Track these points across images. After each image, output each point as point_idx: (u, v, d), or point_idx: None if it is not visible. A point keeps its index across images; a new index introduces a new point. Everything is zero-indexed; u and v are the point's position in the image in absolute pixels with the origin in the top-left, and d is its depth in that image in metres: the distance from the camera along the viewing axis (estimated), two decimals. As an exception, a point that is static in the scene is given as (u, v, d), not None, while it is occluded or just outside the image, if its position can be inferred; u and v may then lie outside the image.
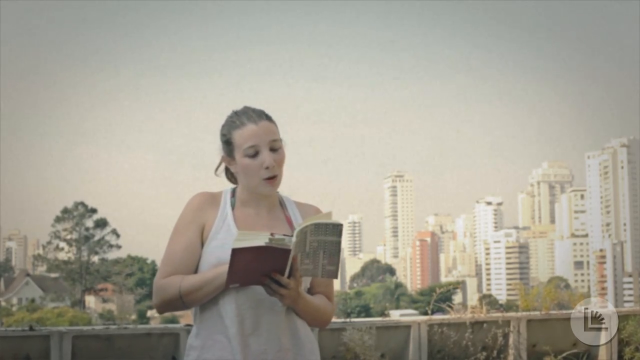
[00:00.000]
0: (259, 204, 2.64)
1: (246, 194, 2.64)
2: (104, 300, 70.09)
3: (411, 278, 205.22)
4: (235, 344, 2.50)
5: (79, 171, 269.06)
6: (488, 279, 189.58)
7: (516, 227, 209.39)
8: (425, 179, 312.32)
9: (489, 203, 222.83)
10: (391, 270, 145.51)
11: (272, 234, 2.36)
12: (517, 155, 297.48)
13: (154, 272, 79.58)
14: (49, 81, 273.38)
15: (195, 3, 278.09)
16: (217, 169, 2.73)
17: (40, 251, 72.21)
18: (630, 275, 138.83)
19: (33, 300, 68.38)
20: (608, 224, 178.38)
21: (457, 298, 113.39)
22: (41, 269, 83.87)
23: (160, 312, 2.61)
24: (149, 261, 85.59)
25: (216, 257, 2.52)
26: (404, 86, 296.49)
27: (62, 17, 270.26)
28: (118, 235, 68.69)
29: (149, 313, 65.85)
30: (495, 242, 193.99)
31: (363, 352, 6.96)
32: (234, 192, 2.68)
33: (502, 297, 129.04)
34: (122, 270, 67.23)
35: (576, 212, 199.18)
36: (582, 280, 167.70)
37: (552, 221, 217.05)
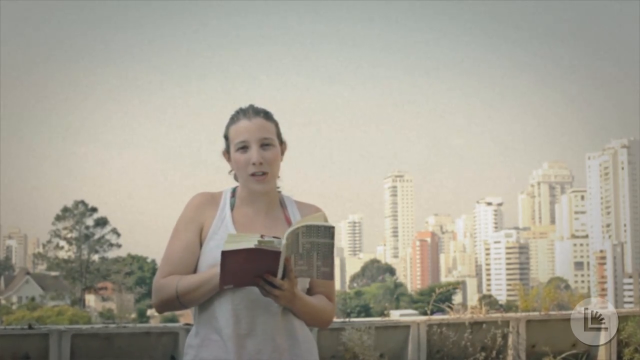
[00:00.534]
0: (257, 203, 2.64)
1: (245, 192, 2.65)
2: (104, 299, 70.12)
3: (411, 278, 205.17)
4: (230, 344, 2.51)
5: (80, 170, 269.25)
6: (488, 280, 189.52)
7: (516, 228, 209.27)
8: (425, 179, 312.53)
9: (489, 203, 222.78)
10: (391, 270, 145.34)
11: (262, 236, 2.37)
12: (518, 155, 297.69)
13: (153, 271, 79.60)
14: (48, 81, 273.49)
15: (195, 3, 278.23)
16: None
17: (41, 250, 72.23)
18: (630, 276, 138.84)
19: (33, 299, 68.36)
20: (608, 225, 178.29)
21: (457, 298, 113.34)
22: (41, 268, 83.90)
23: (159, 311, 2.62)
24: (149, 260, 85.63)
25: (214, 258, 2.52)
26: (404, 86, 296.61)
27: (62, 17, 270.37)
28: (118, 234, 68.72)
29: (149, 312, 65.84)
30: (495, 242, 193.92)
31: (362, 352, 6.96)
32: (234, 192, 2.69)
33: (502, 297, 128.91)
34: (121, 269, 67.28)
35: (576, 212, 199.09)
36: (582, 281, 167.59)
37: (553, 222, 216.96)
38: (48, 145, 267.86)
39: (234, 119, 2.64)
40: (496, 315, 7.78)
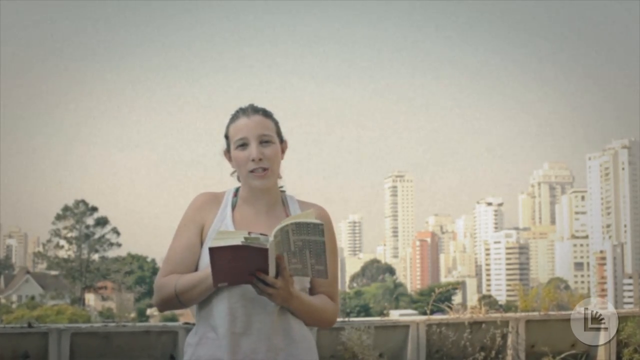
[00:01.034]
0: (259, 202, 2.65)
1: (246, 191, 2.66)
2: (104, 298, 70.11)
3: (411, 278, 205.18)
4: (225, 342, 2.52)
5: (80, 169, 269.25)
6: (488, 280, 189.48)
7: (516, 228, 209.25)
8: (425, 179, 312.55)
9: (490, 204, 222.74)
10: (391, 270, 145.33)
11: (249, 233, 2.38)
12: (518, 156, 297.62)
13: (153, 270, 79.71)
14: (48, 81, 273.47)
15: (195, 3, 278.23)
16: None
17: (41, 249, 72.23)
18: (630, 277, 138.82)
19: (33, 298, 68.34)
20: (608, 226, 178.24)
21: (457, 298, 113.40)
22: (41, 267, 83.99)
23: (160, 310, 2.66)
24: (149, 259, 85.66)
25: (212, 258, 2.54)
26: (405, 86, 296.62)
27: (62, 17, 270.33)
28: (118, 234, 68.73)
29: (149, 311, 65.83)
30: (495, 242, 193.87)
31: (361, 352, 6.96)
32: (236, 191, 2.70)
33: (501, 297, 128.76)
34: (121, 268, 67.28)
35: (576, 213, 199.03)
36: (582, 282, 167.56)
37: (553, 222, 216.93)
38: (48, 145, 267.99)
39: (233, 118, 2.66)
40: (495, 315, 7.78)
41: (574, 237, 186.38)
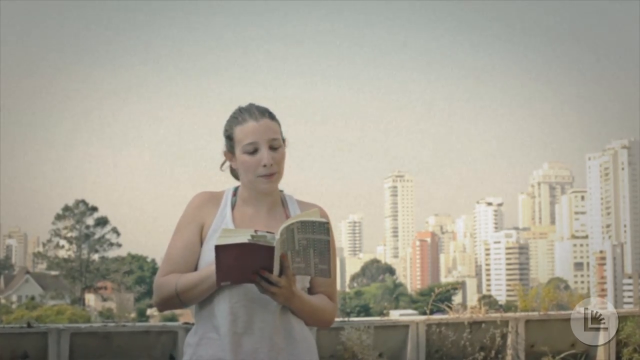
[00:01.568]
0: (259, 203, 2.65)
1: (247, 191, 2.65)
2: (104, 299, 70.06)
3: (411, 278, 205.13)
4: (227, 342, 2.51)
5: (80, 169, 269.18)
6: (488, 280, 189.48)
7: (516, 228, 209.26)
8: (425, 179, 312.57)
9: (490, 204, 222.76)
10: (391, 270, 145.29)
11: (255, 231, 2.37)
12: (518, 156, 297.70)
13: (153, 270, 79.65)
14: (49, 80, 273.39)
15: (196, 3, 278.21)
16: (222, 165, 2.74)
17: (41, 249, 72.26)
18: (630, 277, 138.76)
19: (33, 298, 68.33)
20: (608, 226, 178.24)
21: (457, 298, 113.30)
22: (41, 267, 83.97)
23: (160, 310, 2.64)
24: (149, 259, 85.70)
25: (214, 256, 2.52)
26: (405, 86, 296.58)
27: (62, 17, 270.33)
28: (118, 234, 68.76)
29: (149, 311, 65.81)
30: (495, 242, 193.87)
31: (361, 352, 6.96)
32: (235, 191, 2.69)
33: (501, 297, 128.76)
34: (120, 268, 67.27)
35: (576, 213, 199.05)
36: (582, 282, 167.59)
37: (553, 222, 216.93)
38: (48, 145, 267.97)
39: (238, 119, 2.61)
40: (495, 315, 7.77)
41: (573, 237, 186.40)
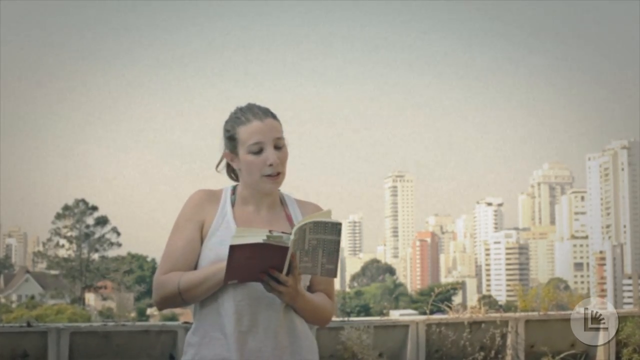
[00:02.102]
0: (259, 202, 2.64)
1: (247, 191, 2.64)
2: (104, 298, 70.01)
3: (411, 278, 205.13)
4: (232, 341, 2.50)
5: (80, 169, 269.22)
6: (488, 280, 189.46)
7: (516, 228, 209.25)
8: (425, 179, 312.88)
9: (490, 204, 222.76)
10: (391, 270, 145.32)
11: (270, 231, 2.36)
12: (518, 156, 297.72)
13: (153, 270, 79.54)
14: (49, 80, 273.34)
15: (197, 4, 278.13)
16: (218, 165, 2.73)
17: (40, 248, 72.16)
18: (629, 277, 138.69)
19: (32, 297, 68.29)
20: (608, 226, 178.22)
21: (457, 299, 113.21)
22: (41, 266, 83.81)
23: (160, 308, 2.61)
24: (149, 259, 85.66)
25: (215, 254, 2.52)
26: (405, 86, 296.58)
27: (62, 17, 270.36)
28: (118, 233, 68.64)
29: (149, 311, 65.82)
30: (495, 242, 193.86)
31: (361, 351, 6.96)
32: (234, 189, 2.68)
33: (501, 297, 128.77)
34: (120, 268, 67.20)
35: (576, 213, 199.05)
36: (582, 282, 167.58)
37: (552, 222, 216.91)
38: (48, 144, 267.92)
39: (241, 119, 2.60)
40: (495, 315, 7.78)
41: (573, 237, 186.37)
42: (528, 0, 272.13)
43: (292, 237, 2.36)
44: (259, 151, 2.56)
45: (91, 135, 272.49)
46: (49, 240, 67.81)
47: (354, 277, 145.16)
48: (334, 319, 7.36)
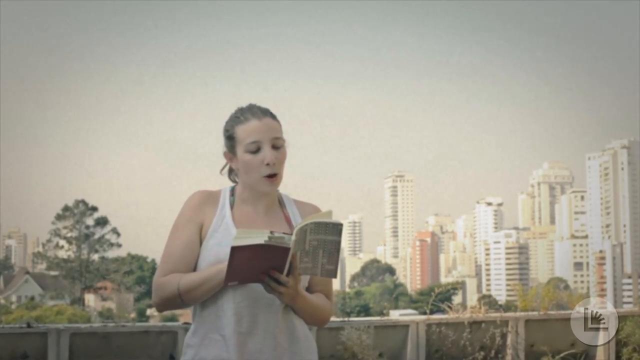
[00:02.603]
0: (258, 203, 2.64)
1: (246, 192, 2.64)
2: (104, 299, 70.06)
3: (411, 278, 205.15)
4: (232, 342, 2.50)
5: (80, 169, 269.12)
6: (488, 280, 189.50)
7: (516, 228, 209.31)
8: (425, 179, 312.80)
9: (489, 203, 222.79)
10: (391, 270, 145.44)
11: (271, 232, 2.36)
12: (518, 155, 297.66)
13: (153, 270, 79.45)
14: (49, 80, 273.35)
15: (197, 3, 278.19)
16: (222, 169, 2.73)
17: (40, 249, 72.17)
18: (629, 277, 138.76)
19: (32, 298, 68.29)
20: (608, 226, 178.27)
21: (457, 298, 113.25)
22: (41, 267, 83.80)
23: (160, 310, 2.62)
24: (148, 260, 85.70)
25: (214, 255, 2.52)
26: (405, 86, 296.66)
27: (62, 16, 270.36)
28: (118, 234, 68.62)
29: (149, 311, 65.85)
30: (495, 242, 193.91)
31: (361, 351, 6.96)
32: (233, 190, 2.68)
33: (501, 297, 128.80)
34: (120, 268, 67.21)
35: (576, 213, 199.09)
36: (582, 282, 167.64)
37: (552, 222, 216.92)
38: (48, 145, 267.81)
39: (240, 118, 2.60)
40: (495, 315, 7.78)
41: (573, 237, 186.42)
42: (528, 0, 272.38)
43: (293, 237, 2.36)
44: (257, 150, 2.56)
45: (91, 135, 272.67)
46: (49, 241, 67.80)
47: (353, 277, 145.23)
48: (333, 319, 7.37)
